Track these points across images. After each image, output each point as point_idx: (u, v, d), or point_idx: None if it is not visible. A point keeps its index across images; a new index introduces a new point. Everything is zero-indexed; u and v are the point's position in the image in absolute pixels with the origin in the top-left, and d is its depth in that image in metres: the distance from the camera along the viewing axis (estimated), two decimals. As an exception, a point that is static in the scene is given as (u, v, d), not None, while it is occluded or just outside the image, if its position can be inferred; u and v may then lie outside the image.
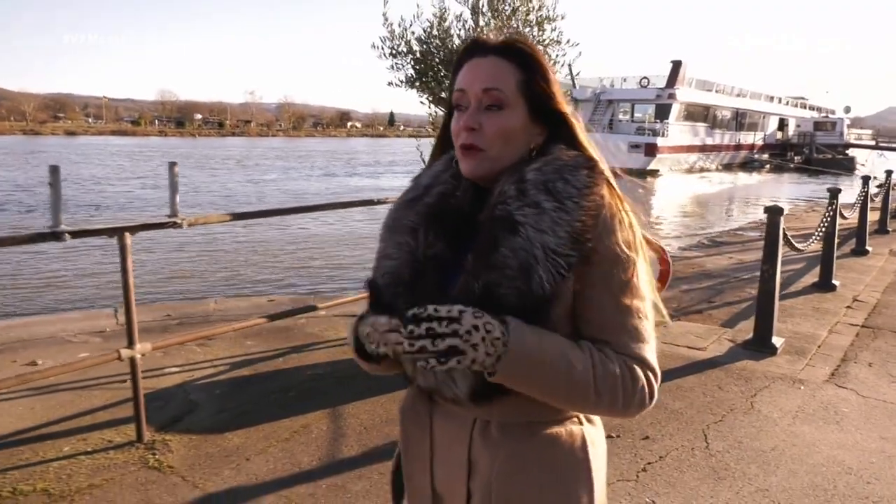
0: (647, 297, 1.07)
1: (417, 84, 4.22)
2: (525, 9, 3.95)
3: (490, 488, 1.08)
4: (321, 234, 12.90)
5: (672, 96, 37.51)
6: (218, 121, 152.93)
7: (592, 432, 1.14)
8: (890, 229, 11.16)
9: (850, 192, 11.79)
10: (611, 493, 2.82)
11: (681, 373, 4.28)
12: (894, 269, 8.00)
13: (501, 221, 1.04)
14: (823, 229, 6.43)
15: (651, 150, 35.47)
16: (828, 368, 4.42)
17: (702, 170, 39.47)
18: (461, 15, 4.12)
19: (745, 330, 5.15)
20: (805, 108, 57.72)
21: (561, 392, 1.00)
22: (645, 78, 39.22)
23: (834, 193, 6.53)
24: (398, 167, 37.76)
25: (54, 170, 2.75)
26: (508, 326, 0.96)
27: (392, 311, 1.05)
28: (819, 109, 59.60)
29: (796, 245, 5.51)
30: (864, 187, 9.09)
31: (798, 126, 52.95)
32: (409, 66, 4.26)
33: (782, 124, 52.13)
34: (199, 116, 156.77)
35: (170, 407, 3.68)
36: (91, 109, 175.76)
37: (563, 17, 3.96)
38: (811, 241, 6.18)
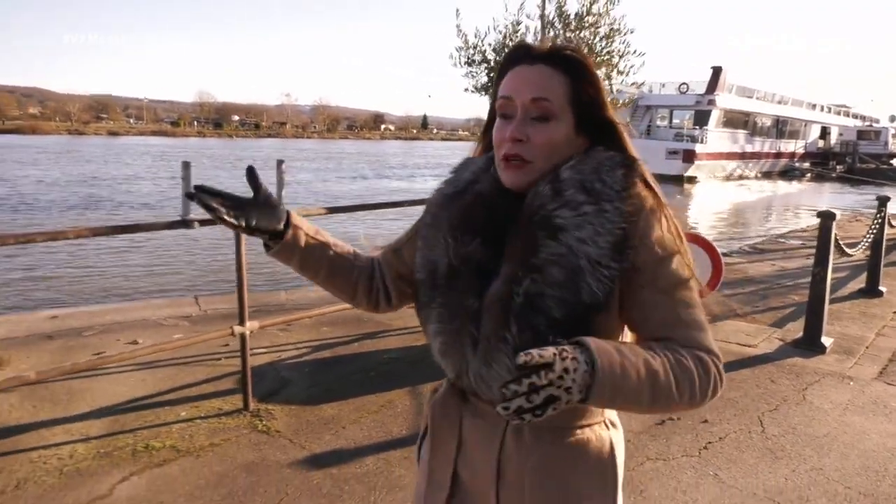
0: (693, 286, 1.05)
1: (492, 90, 4.52)
2: (594, 21, 4.25)
3: (523, 491, 1.09)
4: (354, 232, 13.31)
5: (712, 102, 37.24)
6: (254, 122, 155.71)
7: (616, 436, 1.16)
8: (937, 239, 11.12)
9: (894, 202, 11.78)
10: (675, 466, 3.10)
11: (734, 367, 4.52)
12: (941, 277, 8.06)
13: (539, 224, 1.03)
14: (872, 236, 6.58)
15: (689, 157, 35.26)
16: (876, 367, 4.62)
17: (741, 177, 39.09)
18: (535, 28, 4.43)
19: (794, 330, 5.35)
20: (848, 116, 56.64)
21: (646, 401, 0.96)
22: (684, 84, 39.00)
23: (883, 201, 6.69)
24: (442, 169, 38.24)
25: (186, 165, 3.15)
26: (591, 354, 0.91)
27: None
28: (863, 118, 58.42)
29: (846, 250, 5.69)
30: (911, 196, 9.13)
31: (841, 135, 51.96)
32: (484, 73, 4.59)
33: (824, 132, 51.23)
34: (235, 118, 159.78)
35: (265, 382, 4.05)
36: (132, 110, 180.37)
37: (632, 32, 4.26)
38: (859, 247, 6.34)
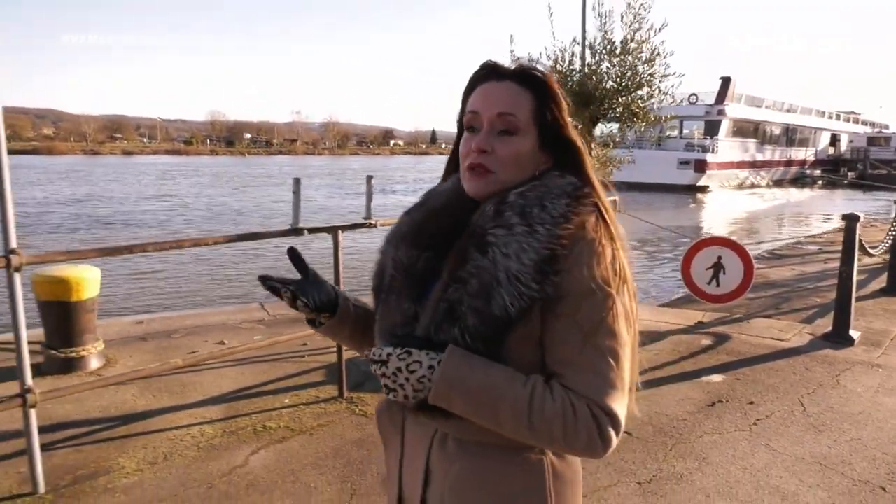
0: (622, 338, 1.02)
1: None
2: (637, 47, 4.71)
3: (442, 499, 1.11)
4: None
5: (721, 112, 37.66)
6: (266, 140, 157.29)
7: (558, 464, 1.11)
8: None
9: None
10: (730, 439, 3.53)
11: (771, 358, 4.94)
12: (959, 277, 8.43)
13: (473, 238, 1.06)
14: (891, 238, 6.98)
15: (700, 167, 35.63)
16: (902, 356, 5.02)
17: (752, 186, 39.38)
18: (583, 53, 4.90)
19: (823, 325, 5.76)
20: (857, 122, 56.86)
21: (490, 420, 1.01)
22: (693, 94, 39.43)
23: (901, 205, 7.08)
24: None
25: (296, 181, 3.63)
26: (440, 363, 1.00)
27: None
28: (872, 124, 58.61)
29: (869, 251, 6.09)
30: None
31: (851, 141, 52.19)
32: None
33: (834, 140, 51.48)
34: (247, 136, 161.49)
35: (350, 375, 4.50)
36: (144, 130, 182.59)
37: (672, 54, 4.72)
38: (880, 248, 6.74)
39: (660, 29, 4.66)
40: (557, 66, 4.96)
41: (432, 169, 59.74)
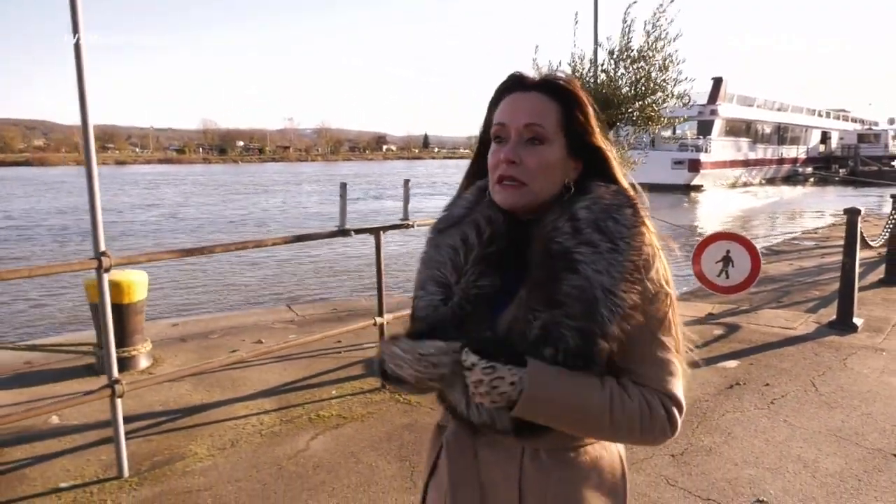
0: (679, 332, 1.12)
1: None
2: (652, 55, 5.02)
3: None
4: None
5: (714, 112, 38.14)
6: (258, 147, 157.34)
7: (622, 450, 1.22)
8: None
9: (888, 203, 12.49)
10: (751, 416, 3.81)
11: (780, 345, 5.24)
12: (953, 267, 8.77)
13: (559, 258, 1.06)
14: (889, 231, 7.30)
15: (694, 166, 36.07)
16: (903, 341, 5.33)
17: (745, 184, 39.87)
18: (603, 62, 5.20)
19: (827, 314, 6.06)
20: (847, 120, 57.55)
21: (574, 427, 1.07)
22: (686, 95, 39.90)
23: (896, 199, 7.41)
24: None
25: (343, 186, 3.91)
26: (521, 379, 1.01)
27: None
28: (862, 121, 59.31)
29: (870, 243, 6.40)
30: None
31: (841, 139, 52.83)
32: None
33: (825, 137, 52.11)
34: (240, 143, 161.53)
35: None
36: (135, 139, 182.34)
37: (684, 62, 5.02)
38: (878, 241, 7.06)
39: (674, 39, 4.98)
40: (576, 72, 5.26)
41: (421, 174, 60.03)
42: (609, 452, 1.17)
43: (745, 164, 41.25)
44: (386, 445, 3.50)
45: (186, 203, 30.04)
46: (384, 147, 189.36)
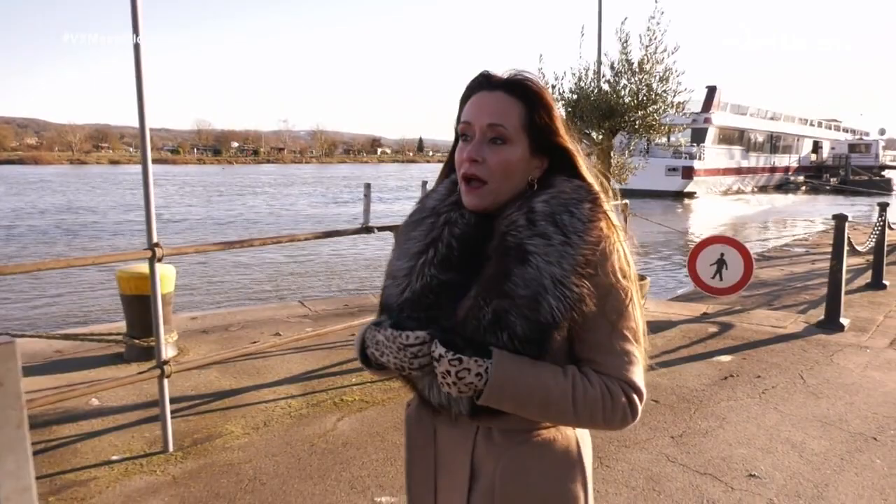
0: (638, 322, 1.16)
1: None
2: (652, 67, 5.34)
3: (493, 490, 1.17)
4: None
5: (708, 120, 38.65)
6: (253, 148, 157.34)
7: (583, 434, 1.26)
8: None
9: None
10: (744, 404, 4.12)
11: (771, 342, 5.55)
12: (936, 273, 9.14)
13: (512, 250, 1.11)
14: (875, 237, 7.65)
15: (688, 174, 36.54)
16: (886, 340, 5.66)
17: (738, 192, 40.37)
18: (603, 73, 5.52)
19: (816, 315, 6.38)
20: (839, 130, 58.29)
21: (539, 414, 1.12)
22: (680, 103, 40.38)
23: (883, 206, 7.77)
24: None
25: (367, 186, 4.20)
26: (487, 370, 1.06)
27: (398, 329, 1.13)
28: (853, 131, 60.08)
29: (857, 248, 6.74)
30: (906, 203, 10.24)
31: (833, 148, 53.51)
32: (562, 108, 5.66)
33: (816, 147, 52.78)
34: (234, 144, 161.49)
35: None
36: (129, 139, 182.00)
37: (683, 73, 5.34)
38: (865, 246, 7.40)
39: (673, 51, 5.30)
40: (581, 83, 5.58)
41: (411, 177, 60.34)
42: (564, 435, 1.20)
43: (738, 171, 41.78)
44: (408, 426, 3.78)
45: (176, 203, 30.22)
46: (378, 150, 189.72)
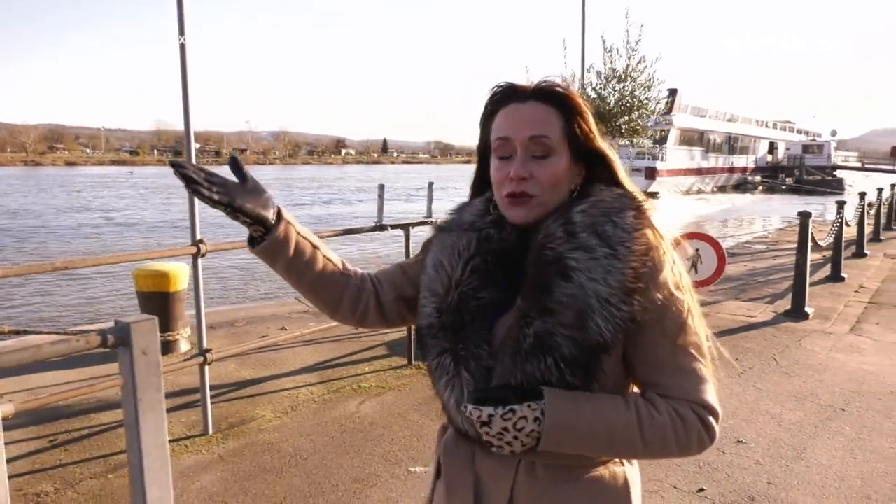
0: (701, 336, 1.07)
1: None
2: (637, 75, 5.77)
3: None
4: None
5: (669, 122, 39.77)
6: (215, 150, 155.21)
7: (633, 473, 1.16)
8: (882, 238, 13.03)
9: (833, 209, 13.73)
10: (725, 383, 4.55)
11: (744, 329, 6.04)
12: (889, 266, 9.85)
13: (552, 265, 1.03)
14: (834, 233, 8.25)
15: (651, 174, 37.55)
16: (847, 326, 6.19)
17: (699, 192, 41.61)
18: (590, 81, 5.94)
19: (782, 305, 6.91)
20: (793, 131, 60.36)
21: (604, 450, 1.04)
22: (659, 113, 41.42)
23: (841, 205, 8.38)
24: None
25: (381, 187, 4.52)
26: (543, 412, 0.97)
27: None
28: (807, 133, 62.26)
29: (819, 244, 7.29)
30: (860, 202, 10.95)
31: (787, 149, 55.41)
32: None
33: (772, 147, 54.60)
34: (196, 145, 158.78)
35: (416, 347, 5.38)
36: (84, 139, 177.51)
37: (663, 82, 5.79)
38: (825, 241, 7.97)
39: (655, 61, 5.75)
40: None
41: (368, 178, 60.48)
42: (612, 473, 1.12)
43: (699, 172, 43.04)
44: (426, 408, 4.11)
45: (127, 207, 29.92)
46: (343, 151, 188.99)
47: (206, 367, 3.68)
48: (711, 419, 1.03)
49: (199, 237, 3.53)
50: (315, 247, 1.18)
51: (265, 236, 1.12)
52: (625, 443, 1.01)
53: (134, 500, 1.90)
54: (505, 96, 1.12)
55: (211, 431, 3.73)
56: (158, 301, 5.17)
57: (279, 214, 1.13)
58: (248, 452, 3.51)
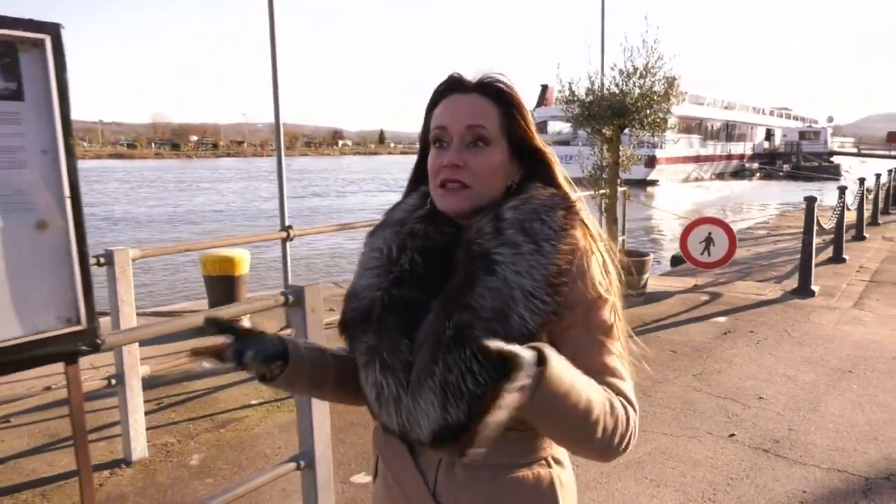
0: (622, 335, 1.07)
1: (582, 121, 6.50)
2: (655, 72, 6.24)
3: None
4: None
5: (668, 111, 40.18)
6: (212, 142, 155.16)
7: (562, 474, 1.11)
8: (881, 222, 13.57)
9: (830, 195, 14.27)
10: (744, 352, 5.06)
11: (756, 306, 6.55)
12: (887, 248, 10.38)
13: (478, 259, 1.03)
14: (836, 217, 8.76)
15: (651, 162, 37.99)
16: (850, 302, 6.71)
17: (697, 179, 42.14)
18: (614, 77, 6.41)
19: (789, 284, 7.42)
20: (790, 118, 60.91)
21: (582, 422, 0.93)
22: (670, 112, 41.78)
23: (842, 190, 8.88)
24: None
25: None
26: (542, 367, 0.84)
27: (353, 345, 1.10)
28: (803, 119, 62.82)
29: (823, 225, 7.80)
30: (859, 187, 11.47)
31: (784, 136, 55.97)
32: (577, 108, 6.51)
33: (769, 134, 55.18)
34: (193, 138, 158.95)
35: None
36: (80, 133, 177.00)
37: (680, 77, 6.23)
38: (828, 225, 8.48)
39: (672, 57, 6.23)
40: (593, 86, 6.45)
41: (358, 170, 60.84)
42: (535, 473, 1.08)
43: (697, 159, 43.56)
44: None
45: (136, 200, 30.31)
46: (340, 142, 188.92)
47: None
48: (636, 416, 1.01)
49: (288, 223, 4.01)
50: (321, 349, 1.19)
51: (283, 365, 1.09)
52: (594, 423, 0.93)
53: (301, 425, 2.41)
54: (448, 88, 1.14)
55: (296, 395, 4.22)
56: (224, 284, 5.66)
57: (285, 344, 1.10)
58: (339, 410, 4.00)
